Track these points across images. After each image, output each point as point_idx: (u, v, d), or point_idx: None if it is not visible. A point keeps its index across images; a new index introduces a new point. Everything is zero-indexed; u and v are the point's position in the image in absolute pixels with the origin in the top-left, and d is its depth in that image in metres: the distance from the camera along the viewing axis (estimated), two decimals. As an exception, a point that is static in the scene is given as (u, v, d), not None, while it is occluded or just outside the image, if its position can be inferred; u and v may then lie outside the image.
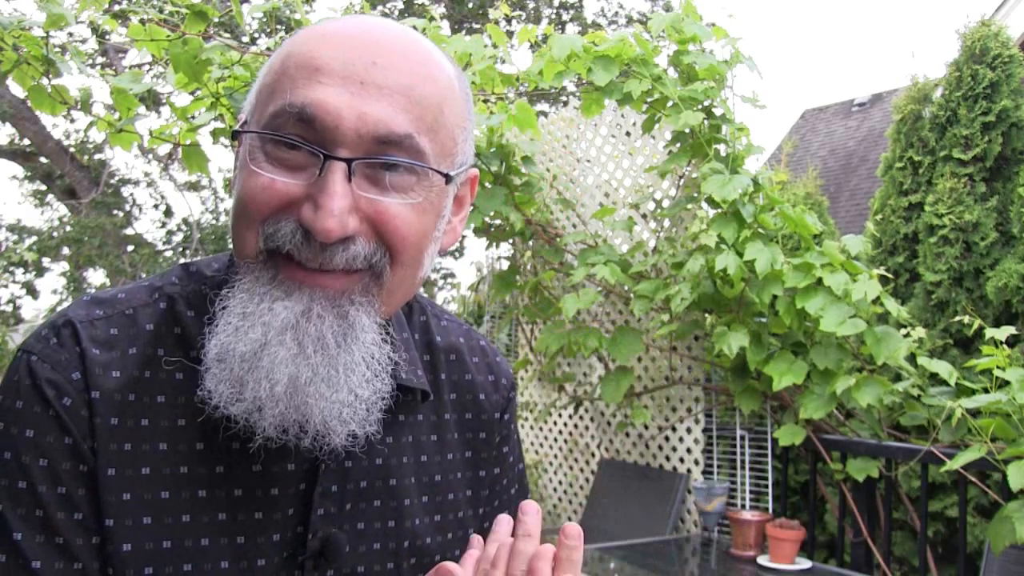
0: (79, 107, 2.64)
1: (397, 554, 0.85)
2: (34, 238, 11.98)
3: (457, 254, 14.05)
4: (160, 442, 0.76)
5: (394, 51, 0.74)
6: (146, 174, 13.46)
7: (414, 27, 2.56)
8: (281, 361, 0.72)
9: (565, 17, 14.31)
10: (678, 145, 3.11)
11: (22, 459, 0.73)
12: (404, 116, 0.72)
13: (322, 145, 0.71)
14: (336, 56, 0.73)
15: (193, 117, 2.78)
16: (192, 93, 2.79)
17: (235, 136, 0.77)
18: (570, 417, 4.00)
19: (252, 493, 0.78)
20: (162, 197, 13.47)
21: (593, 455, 3.82)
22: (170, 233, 13.26)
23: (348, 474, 0.82)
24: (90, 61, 11.01)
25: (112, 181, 12.61)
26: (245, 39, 10.44)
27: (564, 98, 10.15)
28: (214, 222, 13.42)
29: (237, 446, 0.77)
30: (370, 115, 0.71)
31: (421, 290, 0.95)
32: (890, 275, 3.48)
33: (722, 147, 3.02)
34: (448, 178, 0.77)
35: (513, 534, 0.77)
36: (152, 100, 10.56)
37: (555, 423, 4.09)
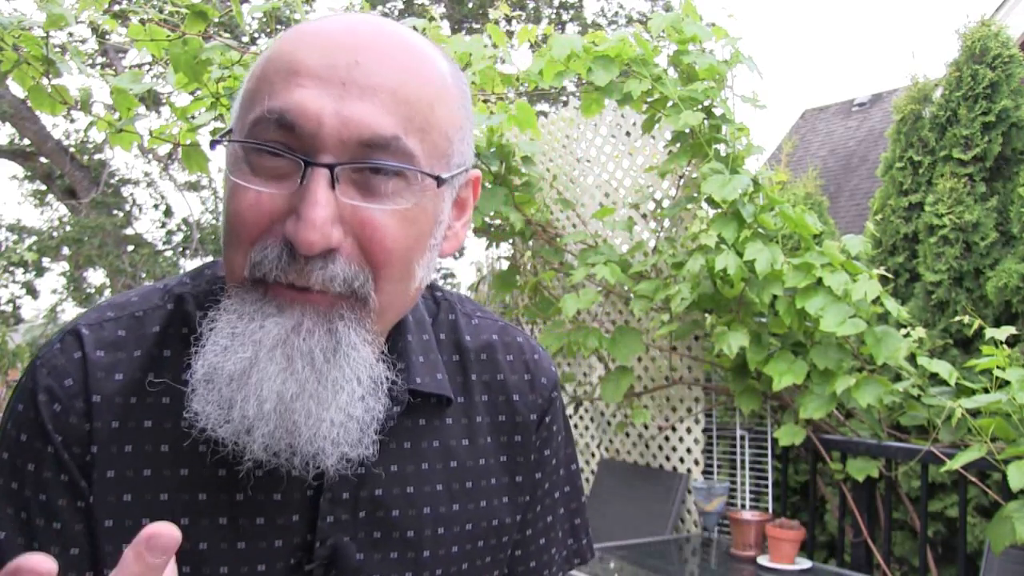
0: (79, 107, 2.64)
1: (417, 563, 0.82)
2: (34, 238, 11.98)
3: (457, 254, 14.06)
4: (163, 444, 0.75)
5: (379, 49, 0.71)
6: (146, 174, 13.47)
7: (414, 27, 2.56)
8: (270, 377, 0.69)
9: (565, 17, 14.31)
10: (678, 145, 3.11)
11: (11, 486, 0.74)
12: (390, 117, 0.69)
13: (304, 152, 0.68)
14: (316, 57, 0.69)
15: (193, 117, 2.78)
16: (192, 93, 2.79)
17: (214, 146, 0.74)
18: (570, 417, 4.00)
19: (255, 497, 0.76)
20: (162, 197, 13.48)
21: (593, 455, 3.82)
22: (170, 233, 13.27)
23: (362, 481, 0.79)
24: (90, 61, 11.01)
25: (112, 181, 12.61)
26: (245, 39, 10.44)
27: (564, 98, 10.15)
28: (214, 222, 13.42)
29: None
30: (353, 118, 0.68)
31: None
32: (890, 275, 3.48)
33: (722, 147, 3.02)
34: (440, 180, 0.73)
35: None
36: (152, 100, 10.55)
37: (555, 423, 4.09)
